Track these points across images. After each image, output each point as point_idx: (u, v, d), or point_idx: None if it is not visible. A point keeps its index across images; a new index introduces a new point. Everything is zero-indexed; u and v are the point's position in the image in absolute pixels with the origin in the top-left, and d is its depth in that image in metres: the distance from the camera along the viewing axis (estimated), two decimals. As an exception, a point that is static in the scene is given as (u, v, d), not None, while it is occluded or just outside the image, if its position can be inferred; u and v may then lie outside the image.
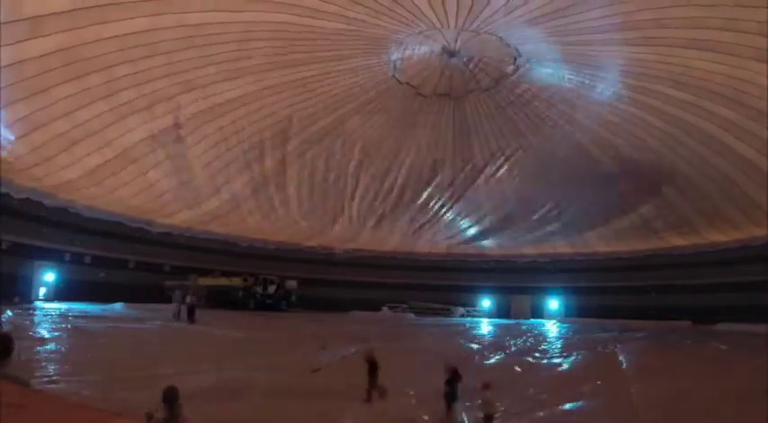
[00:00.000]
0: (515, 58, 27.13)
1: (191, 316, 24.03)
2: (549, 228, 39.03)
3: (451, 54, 27.08)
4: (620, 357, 17.06)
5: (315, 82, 27.94)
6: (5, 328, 15.10)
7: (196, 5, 20.02)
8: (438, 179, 37.28)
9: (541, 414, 9.22)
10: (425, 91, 30.47)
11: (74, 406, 6.53)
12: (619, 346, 20.24)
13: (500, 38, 25.01)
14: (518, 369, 14.47)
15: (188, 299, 25.15)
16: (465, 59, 27.85)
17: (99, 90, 22.51)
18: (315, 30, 23.09)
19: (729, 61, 22.13)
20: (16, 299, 25.57)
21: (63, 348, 14.30)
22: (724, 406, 9.75)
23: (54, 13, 17.66)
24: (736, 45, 20.97)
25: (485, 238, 41.91)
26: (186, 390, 6.08)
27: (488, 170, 36.20)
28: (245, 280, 36.72)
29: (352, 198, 37.82)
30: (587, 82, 27.51)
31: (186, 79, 24.43)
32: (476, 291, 44.29)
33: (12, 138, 22.69)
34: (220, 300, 35.25)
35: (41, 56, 19.14)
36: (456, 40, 25.69)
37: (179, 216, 34.74)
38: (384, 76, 28.85)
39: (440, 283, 43.20)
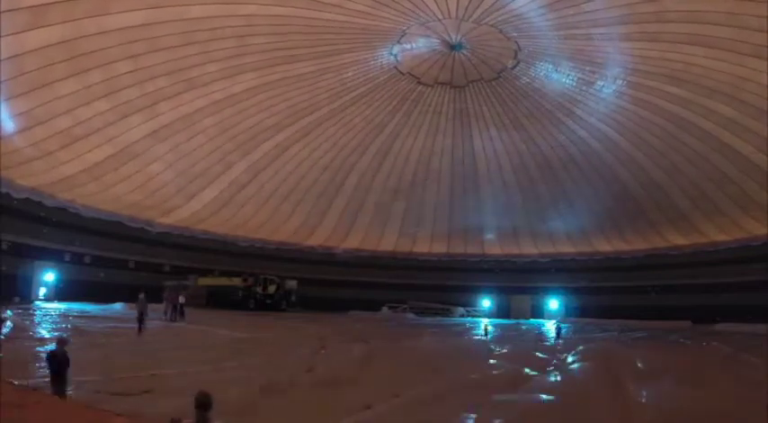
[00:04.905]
0: (516, 52, 27.18)
1: (179, 313, 24.49)
2: (550, 222, 39.07)
3: (453, 46, 27.14)
4: (619, 357, 17.02)
5: (316, 75, 28.06)
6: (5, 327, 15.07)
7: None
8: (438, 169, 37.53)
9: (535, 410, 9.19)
10: (427, 81, 30.55)
11: (74, 406, 6.53)
12: (617, 345, 20.20)
13: (500, 30, 25.06)
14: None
15: (180, 298, 25.22)
16: (466, 51, 27.93)
17: (100, 87, 22.57)
18: (315, 23, 23.17)
19: (729, 58, 22.16)
20: (16, 299, 25.55)
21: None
22: (724, 406, 9.73)
23: (55, 2, 17.61)
24: (736, 41, 20.99)
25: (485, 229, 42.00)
26: (187, 390, 6.07)
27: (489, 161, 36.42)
28: (245, 280, 36.70)
29: (346, 191, 38.23)
30: (587, 77, 27.55)
31: (188, 77, 24.53)
32: (476, 291, 44.30)
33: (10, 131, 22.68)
34: (220, 300, 35.24)
35: (42, 48, 19.11)
36: (457, 32, 25.74)
37: (179, 212, 34.72)
38: (385, 67, 29.00)
39: (440, 283, 43.19)
